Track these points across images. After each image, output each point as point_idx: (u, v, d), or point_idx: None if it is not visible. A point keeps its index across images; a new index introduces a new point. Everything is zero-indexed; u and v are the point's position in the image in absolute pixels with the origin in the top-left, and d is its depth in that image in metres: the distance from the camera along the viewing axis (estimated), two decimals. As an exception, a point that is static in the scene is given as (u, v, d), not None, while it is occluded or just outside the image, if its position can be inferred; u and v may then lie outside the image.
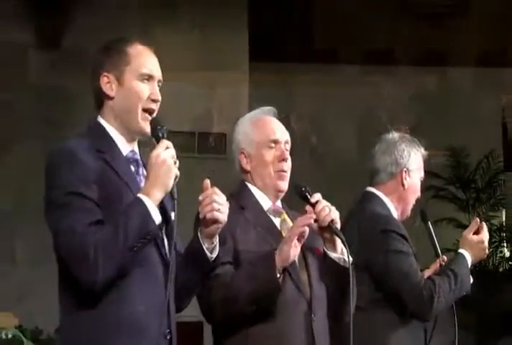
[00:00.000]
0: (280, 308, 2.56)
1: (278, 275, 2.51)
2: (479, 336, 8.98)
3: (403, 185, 3.32)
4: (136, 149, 2.42)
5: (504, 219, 9.97)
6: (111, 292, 2.18)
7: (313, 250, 2.71)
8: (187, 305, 2.45)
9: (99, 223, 2.18)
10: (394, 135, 3.39)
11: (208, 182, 2.31)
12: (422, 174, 3.40)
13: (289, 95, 10.21)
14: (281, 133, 2.83)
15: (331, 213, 2.58)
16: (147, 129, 2.34)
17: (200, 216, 2.30)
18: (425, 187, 3.51)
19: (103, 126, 2.38)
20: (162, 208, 2.24)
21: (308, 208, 2.62)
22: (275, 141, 2.80)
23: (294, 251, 2.52)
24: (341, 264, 2.62)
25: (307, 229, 2.52)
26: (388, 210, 3.29)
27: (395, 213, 3.31)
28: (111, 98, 2.38)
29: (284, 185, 2.79)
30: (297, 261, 2.64)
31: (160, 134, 2.28)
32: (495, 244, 9.60)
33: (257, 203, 2.78)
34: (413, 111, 10.14)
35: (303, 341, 2.60)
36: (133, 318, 2.20)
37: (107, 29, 8.55)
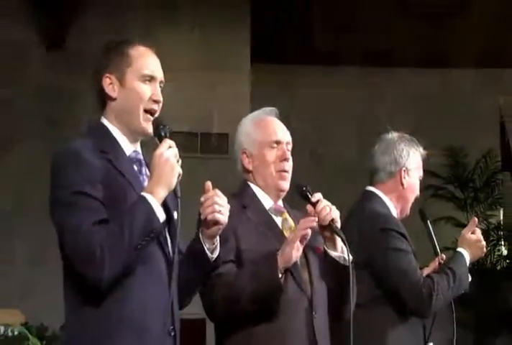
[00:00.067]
0: (282, 307, 2.57)
1: (280, 275, 2.52)
2: (477, 333, 8.98)
3: (402, 184, 3.32)
4: (139, 149, 2.43)
5: (502, 218, 9.98)
6: (116, 290, 2.18)
7: (313, 249, 2.71)
8: (188, 303, 2.46)
9: (104, 222, 2.18)
10: (393, 135, 3.40)
11: (209, 183, 2.32)
12: (421, 173, 3.40)
13: (290, 95, 10.21)
14: (283, 133, 2.84)
15: (331, 212, 2.59)
16: (149, 129, 2.34)
17: (202, 217, 2.31)
18: (424, 186, 3.51)
19: (106, 127, 2.39)
20: (165, 207, 2.24)
21: (308, 207, 2.62)
22: (277, 142, 2.81)
23: (296, 252, 2.52)
24: (342, 262, 2.63)
25: (309, 232, 2.53)
26: (388, 209, 3.29)
27: (395, 212, 3.31)
28: (114, 99, 2.38)
29: (285, 184, 2.79)
30: (298, 259, 2.64)
31: (163, 134, 2.29)
32: (492, 242, 9.61)
33: (258, 202, 2.79)
34: (412, 111, 10.15)
35: (305, 338, 2.60)
36: (137, 316, 2.20)
37: (109, 29, 8.57)
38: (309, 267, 2.68)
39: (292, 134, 2.87)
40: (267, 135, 2.82)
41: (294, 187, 2.72)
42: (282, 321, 2.57)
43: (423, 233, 3.40)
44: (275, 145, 2.80)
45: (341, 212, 2.65)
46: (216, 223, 2.30)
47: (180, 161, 2.25)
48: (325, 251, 2.66)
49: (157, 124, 2.32)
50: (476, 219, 3.34)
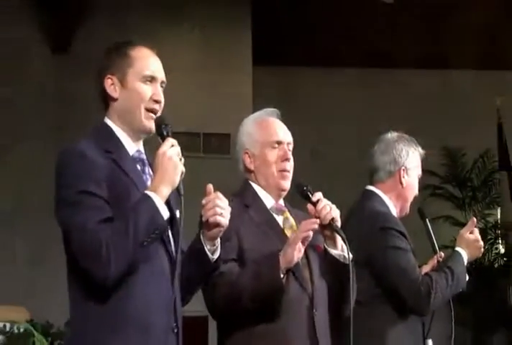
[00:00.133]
0: (283, 305, 2.56)
1: (282, 276, 2.51)
2: (475, 330, 8.99)
3: (401, 183, 3.32)
4: (142, 149, 2.43)
5: (499, 217, 9.98)
6: (121, 287, 2.18)
7: (314, 247, 2.71)
8: (189, 301, 2.46)
9: (109, 220, 2.18)
10: (393, 135, 3.39)
11: (211, 186, 2.32)
12: (420, 172, 3.40)
13: (291, 96, 10.22)
14: (284, 134, 2.84)
15: (331, 211, 2.59)
16: (151, 127, 2.34)
17: (203, 219, 2.31)
18: (422, 185, 3.51)
19: (110, 127, 2.39)
20: (168, 206, 2.24)
21: (309, 206, 2.62)
22: (278, 142, 2.81)
23: (298, 253, 2.52)
24: (342, 260, 2.63)
25: (311, 234, 2.52)
26: (387, 207, 3.28)
27: (394, 211, 3.31)
28: (115, 100, 2.38)
29: (286, 184, 2.79)
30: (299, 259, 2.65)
31: (165, 133, 2.29)
32: (490, 240, 9.61)
33: (260, 201, 2.79)
34: (411, 112, 10.15)
35: (305, 335, 2.60)
36: (141, 313, 2.20)
37: (112, 32, 8.57)
38: (310, 265, 2.68)
39: (292, 135, 2.87)
40: (269, 135, 2.82)
41: (295, 187, 2.72)
42: (283, 319, 2.57)
43: (422, 232, 3.40)
44: (277, 145, 2.80)
45: (341, 211, 2.65)
46: (217, 225, 2.30)
47: (182, 159, 2.25)
48: (325, 250, 2.65)
49: (159, 123, 2.32)
50: (475, 219, 3.33)
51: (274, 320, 2.56)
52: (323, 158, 10.12)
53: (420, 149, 3.39)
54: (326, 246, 2.65)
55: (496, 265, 9.66)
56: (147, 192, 2.21)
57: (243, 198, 2.77)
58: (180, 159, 2.24)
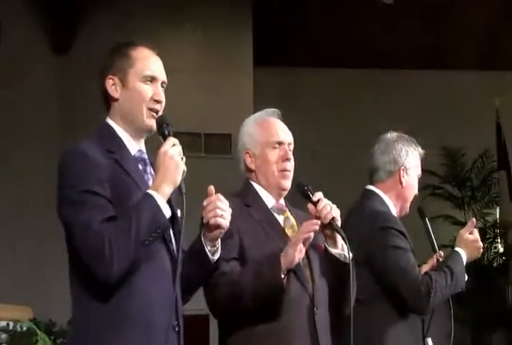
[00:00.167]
0: (284, 304, 2.56)
1: (283, 276, 2.51)
2: (474, 328, 8.99)
3: (401, 182, 3.31)
4: (144, 149, 2.43)
5: (498, 216, 9.98)
6: (123, 286, 2.18)
7: (315, 246, 2.70)
8: (189, 300, 2.45)
9: (112, 219, 2.18)
10: (392, 135, 3.39)
11: (212, 188, 2.32)
12: (419, 172, 3.40)
13: (292, 96, 10.22)
14: (285, 134, 2.83)
15: (332, 210, 2.58)
16: (153, 125, 2.34)
17: (204, 221, 2.31)
18: (422, 185, 3.51)
19: (112, 127, 2.39)
20: (169, 204, 2.24)
21: (310, 206, 2.62)
22: (279, 143, 2.80)
23: (299, 254, 2.51)
24: (342, 259, 2.62)
25: (312, 235, 2.52)
26: (387, 207, 3.28)
27: (394, 210, 3.31)
28: (117, 100, 2.38)
29: (287, 183, 2.79)
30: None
31: (166, 132, 2.29)
32: (489, 240, 9.62)
33: (261, 201, 2.78)
34: (411, 112, 10.15)
35: (306, 334, 2.60)
36: (143, 311, 2.20)
37: (112, 32, 8.57)
38: (310, 264, 2.68)
39: (293, 135, 2.87)
40: (270, 136, 2.81)
41: (295, 187, 2.72)
42: (284, 318, 2.57)
43: (422, 231, 3.40)
44: (277, 145, 2.80)
45: (341, 211, 2.65)
46: (218, 227, 2.30)
47: (184, 158, 2.25)
48: (326, 249, 2.65)
49: (160, 123, 2.32)
50: (474, 220, 3.33)
51: (275, 319, 2.56)
52: (324, 158, 10.12)
53: (419, 149, 3.39)
54: (326, 246, 2.65)
55: (495, 264, 9.66)
56: (149, 191, 2.21)
57: (244, 198, 2.77)
58: (182, 158, 2.24)
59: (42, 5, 9.33)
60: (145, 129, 2.37)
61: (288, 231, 2.74)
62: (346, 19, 9.85)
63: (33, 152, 9.00)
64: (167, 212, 2.20)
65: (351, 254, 2.58)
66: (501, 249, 9.80)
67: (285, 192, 2.82)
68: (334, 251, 2.63)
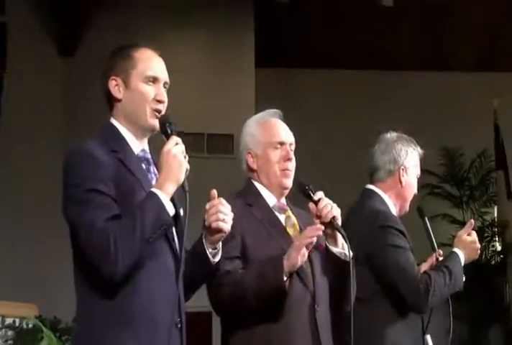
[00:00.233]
0: (286, 301, 2.56)
1: (285, 278, 2.51)
2: (471, 325, 8.98)
3: (400, 182, 3.31)
4: (147, 148, 2.43)
5: (496, 215, 9.97)
6: (127, 283, 2.18)
7: (316, 245, 2.70)
8: (190, 297, 2.45)
9: (117, 217, 2.18)
10: (392, 135, 3.39)
11: (215, 191, 2.32)
12: (418, 171, 3.39)
13: (293, 97, 10.21)
14: (286, 135, 2.83)
15: (332, 210, 2.58)
16: (156, 124, 2.34)
17: (206, 224, 2.30)
18: (421, 184, 3.50)
19: (116, 128, 2.39)
20: (172, 203, 2.24)
21: (311, 205, 2.62)
22: (281, 143, 2.80)
23: (302, 258, 2.51)
24: (343, 258, 2.62)
25: (315, 239, 2.52)
26: (387, 206, 3.28)
27: (394, 209, 3.30)
28: (120, 100, 2.38)
29: (288, 182, 2.79)
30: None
31: (169, 131, 2.28)
32: (487, 238, 9.62)
33: (263, 200, 2.78)
34: (410, 112, 10.14)
35: (307, 331, 2.60)
36: (146, 309, 2.20)
37: (118, 34, 8.57)
38: (311, 262, 2.68)
39: (294, 135, 2.87)
40: (271, 136, 2.81)
41: (297, 186, 2.71)
42: (286, 315, 2.56)
43: (421, 230, 3.39)
44: (279, 146, 2.80)
45: (341, 210, 2.65)
46: (220, 231, 2.30)
47: (187, 157, 2.24)
48: (327, 248, 2.65)
49: (163, 122, 2.32)
50: (473, 221, 3.32)
51: (277, 317, 2.56)
52: (324, 158, 10.11)
53: (419, 148, 3.38)
54: (327, 244, 2.65)
55: (493, 262, 9.66)
56: (153, 189, 2.20)
57: (246, 197, 2.77)
58: (185, 157, 2.24)
59: (48, 8, 9.34)
60: (148, 128, 2.37)
61: (290, 230, 2.74)
62: (347, 21, 9.84)
63: (37, 151, 9.01)
64: (170, 210, 2.20)
65: (351, 253, 2.58)
66: (499, 248, 9.80)
67: (287, 192, 2.82)
68: (334, 249, 2.63)
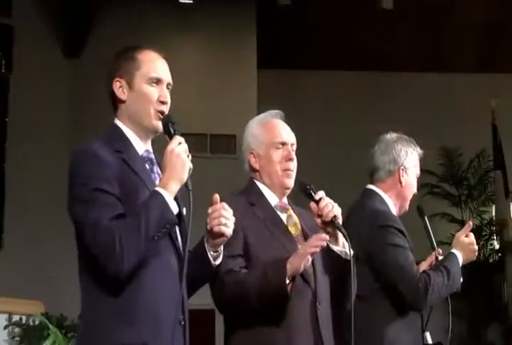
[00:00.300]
0: (290, 301, 2.56)
1: (288, 282, 2.50)
2: (470, 322, 8.97)
3: (400, 182, 3.30)
4: (150, 149, 2.42)
5: (494, 214, 9.96)
6: (132, 281, 2.17)
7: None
8: (192, 295, 2.45)
9: (122, 216, 2.17)
10: (392, 135, 3.38)
11: (217, 196, 2.31)
12: (418, 171, 3.39)
13: (294, 98, 10.20)
14: (288, 135, 2.83)
15: (333, 209, 2.58)
16: (159, 126, 2.34)
17: (208, 228, 2.30)
18: (421, 184, 3.50)
19: (120, 128, 2.38)
20: (176, 202, 2.23)
21: (312, 204, 2.61)
22: (283, 143, 2.80)
23: (306, 263, 2.50)
24: (343, 256, 2.62)
25: (319, 249, 2.51)
26: (387, 206, 3.27)
27: (394, 209, 3.30)
28: (124, 102, 2.38)
29: (290, 182, 2.78)
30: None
31: (172, 131, 2.28)
32: (485, 237, 9.61)
33: (265, 199, 2.78)
34: (410, 113, 10.13)
35: (309, 328, 2.59)
36: (150, 306, 2.19)
37: (123, 36, 8.57)
38: (313, 261, 2.67)
39: (295, 135, 2.86)
40: (273, 136, 2.81)
41: (298, 186, 2.71)
42: (288, 313, 2.56)
43: (420, 230, 3.39)
44: (281, 146, 2.80)
45: (342, 209, 2.64)
46: (222, 235, 2.29)
47: (190, 156, 2.24)
48: (328, 246, 2.64)
49: (166, 122, 2.31)
50: (471, 223, 3.32)
51: (279, 314, 2.55)
52: (325, 158, 10.11)
53: (418, 149, 3.38)
54: (328, 243, 2.64)
55: (491, 260, 9.65)
56: (157, 188, 2.20)
57: (248, 196, 2.76)
58: (188, 156, 2.23)
59: (54, 11, 9.34)
60: (152, 129, 2.37)
61: (291, 229, 2.74)
62: (347, 24, 9.83)
63: (43, 150, 9.01)
64: (174, 208, 2.20)
65: (352, 251, 2.57)
66: (497, 246, 9.79)
67: (288, 191, 2.82)
68: (335, 248, 2.63)
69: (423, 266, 3.26)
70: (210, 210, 2.29)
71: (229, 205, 2.35)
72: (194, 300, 2.45)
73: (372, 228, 3.11)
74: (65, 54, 9.64)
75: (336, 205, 2.60)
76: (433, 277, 3.07)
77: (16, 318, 5.42)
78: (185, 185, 2.23)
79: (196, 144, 9.15)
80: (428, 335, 3.23)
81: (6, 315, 5.39)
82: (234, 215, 2.32)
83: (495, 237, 9.77)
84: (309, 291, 2.62)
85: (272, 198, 2.79)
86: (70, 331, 5.69)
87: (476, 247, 3.25)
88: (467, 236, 3.24)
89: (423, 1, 9.61)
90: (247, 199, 2.74)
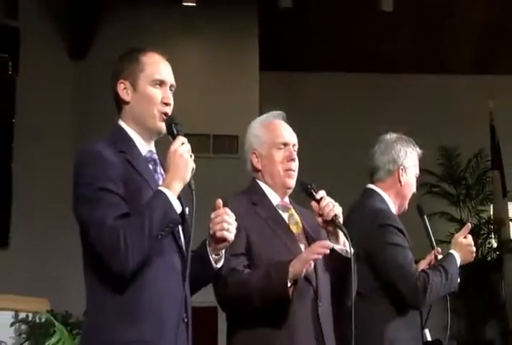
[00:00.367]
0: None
1: (289, 284, 2.49)
2: (468, 319, 8.96)
3: (399, 181, 3.30)
4: (154, 149, 2.42)
5: (492, 213, 9.95)
6: (136, 279, 2.17)
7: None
8: (195, 293, 2.45)
9: (126, 215, 2.17)
10: (392, 136, 3.38)
11: (220, 201, 2.31)
12: (417, 171, 3.38)
13: (295, 99, 10.20)
14: (289, 136, 2.83)
15: (334, 208, 2.58)
16: (163, 127, 2.34)
17: (210, 232, 2.30)
18: (420, 184, 3.49)
19: (124, 129, 2.38)
20: (179, 201, 2.23)
21: (313, 203, 2.61)
22: (284, 143, 2.80)
23: (307, 269, 2.49)
24: (344, 254, 2.62)
25: (321, 256, 2.50)
26: (387, 205, 3.27)
27: (394, 208, 3.29)
28: (128, 103, 2.38)
29: (292, 182, 2.78)
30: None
31: (175, 131, 2.28)
32: (483, 235, 9.60)
33: (267, 199, 2.78)
34: (409, 114, 10.12)
35: (310, 325, 2.59)
36: (154, 304, 2.20)
37: (128, 38, 8.57)
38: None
39: (297, 136, 2.86)
40: (275, 137, 2.81)
41: (300, 185, 2.71)
42: (290, 311, 2.55)
43: (420, 228, 3.38)
44: (283, 146, 2.80)
45: (342, 208, 2.64)
46: (224, 240, 2.29)
47: (193, 156, 2.24)
48: (328, 245, 2.64)
49: (169, 123, 2.32)
50: (469, 225, 3.31)
51: (281, 313, 2.55)
52: (325, 158, 10.10)
53: (417, 149, 3.37)
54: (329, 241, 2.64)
55: (489, 259, 9.64)
56: (160, 188, 2.20)
57: (250, 196, 2.76)
58: (191, 156, 2.23)
59: (60, 13, 9.34)
60: (156, 130, 2.37)
61: (293, 228, 2.74)
62: (347, 26, 9.83)
63: (49, 150, 9.01)
64: (178, 208, 2.20)
65: (352, 250, 2.57)
66: (495, 244, 9.78)
67: (290, 191, 2.82)
68: (336, 246, 2.63)
69: (423, 264, 3.25)
70: (213, 215, 2.29)
71: (232, 205, 2.34)
72: (197, 297, 2.44)
73: (372, 227, 3.11)
74: (71, 57, 9.64)
75: (336, 204, 2.60)
76: (431, 276, 3.06)
77: (22, 315, 5.42)
78: (188, 184, 2.23)
79: (199, 144, 9.15)
80: (427, 332, 3.23)
81: (12, 313, 5.39)
82: (237, 214, 2.32)
83: (492, 236, 9.76)
84: (310, 289, 2.62)
85: (274, 198, 2.79)
86: (75, 328, 5.68)
87: (474, 249, 3.25)
88: (465, 237, 3.24)
89: (422, 2, 9.60)
90: (250, 198, 2.74)
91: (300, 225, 2.76)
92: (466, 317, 8.76)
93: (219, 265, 2.36)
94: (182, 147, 2.22)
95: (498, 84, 10.30)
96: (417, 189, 3.39)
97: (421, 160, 3.40)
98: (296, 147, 2.83)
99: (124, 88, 2.37)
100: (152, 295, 2.19)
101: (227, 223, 2.27)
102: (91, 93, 8.88)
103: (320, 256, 2.49)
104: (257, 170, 2.82)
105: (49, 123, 9.20)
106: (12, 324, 5.37)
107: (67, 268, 7.86)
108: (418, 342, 3.18)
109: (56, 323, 5.23)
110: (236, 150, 9.24)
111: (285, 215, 2.77)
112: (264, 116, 2.91)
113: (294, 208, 2.81)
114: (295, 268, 2.49)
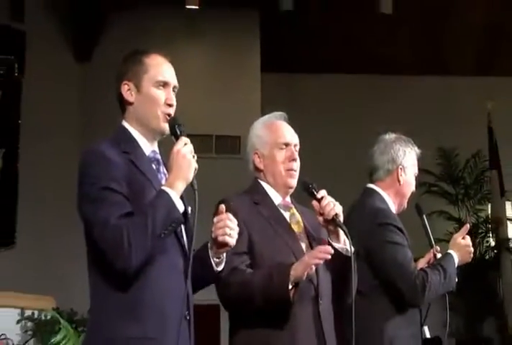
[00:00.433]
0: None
1: (290, 287, 2.49)
2: (466, 316, 8.95)
3: (399, 180, 3.30)
4: (157, 149, 2.42)
5: (490, 212, 9.95)
6: (139, 277, 2.18)
7: (319, 241, 2.69)
8: (197, 292, 2.44)
9: (129, 214, 2.17)
10: (391, 136, 3.38)
11: (223, 206, 2.31)
12: (416, 170, 3.38)
13: (296, 100, 10.19)
14: (291, 136, 2.83)
15: (335, 207, 2.58)
16: (166, 128, 2.34)
17: (212, 236, 2.29)
18: (419, 183, 3.49)
19: (127, 130, 2.39)
20: (182, 201, 2.23)
21: (314, 202, 2.61)
22: (286, 144, 2.80)
23: (308, 272, 2.49)
24: (344, 253, 2.61)
25: (322, 261, 2.50)
26: (387, 204, 3.27)
27: (393, 207, 3.29)
28: (131, 104, 2.38)
29: (293, 182, 2.78)
30: (305, 251, 2.64)
31: (178, 132, 2.28)
32: (481, 234, 9.60)
33: (269, 198, 2.78)
34: (409, 115, 10.12)
35: (311, 323, 2.59)
36: (157, 302, 2.20)
37: (132, 40, 8.57)
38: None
39: (298, 136, 2.86)
40: (277, 137, 2.81)
41: (301, 185, 2.71)
42: (292, 310, 2.55)
43: (419, 227, 3.38)
44: (284, 147, 2.80)
45: (343, 208, 2.64)
46: (226, 244, 2.29)
47: (195, 156, 2.24)
48: (329, 243, 2.64)
49: (172, 124, 2.32)
50: (468, 226, 3.31)
51: (283, 313, 2.54)
52: (326, 158, 10.10)
53: (416, 149, 3.37)
54: (329, 240, 2.64)
55: (487, 257, 9.63)
56: (163, 187, 2.20)
57: (252, 196, 2.76)
58: (194, 157, 2.23)
59: (65, 16, 9.35)
60: (159, 131, 2.37)
61: (294, 227, 2.74)
62: (347, 28, 9.82)
63: (54, 150, 9.01)
64: (180, 207, 2.19)
65: (353, 248, 2.57)
66: (493, 243, 9.77)
67: (291, 191, 2.81)
68: (336, 245, 2.62)
69: (421, 263, 3.25)
70: (215, 220, 2.29)
71: (234, 204, 2.34)
72: (199, 295, 2.44)
73: (371, 226, 3.11)
74: (76, 58, 9.65)
75: (337, 203, 2.60)
76: (430, 275, 3.06)
77: (28, 312, 5.42)
78: (191, 184, 2.23)
79: (202, 144, 9.14)
80: (426, 329, 3.23)
81: (18, 310, 5.40)
82: (239, 213, 2.32)
83: (490, 235, 9.75)
84: (311, 287, 2.61)
85: (276, 197, 2.79)
86: (80, 326, 5.69)
87: (472, 249, 3.25)
88: (463, 238, 3.24)
89: (422, 4, 9.59)
90: (252, 198, 2.74)
91: (302, 224, 2.76)
92: (464, 315, 8.75)
93: (220, 268, 2.36)
94: (185, 148, 2.22)
95: (498, 86, 10.29)
96: (416, 188, 3.39)
97: (420, 160, 3.39)
98: (298, 147, 2.83)
99: (128, 89, 2.37)
100: (155, 293, 2.19)
101: (229, 228, 2.27)
102: (96, 94, 8.87)
103: (321, 262, 2.49)
104: (259, 170, 2.82)
105: (55, 124, 9.21)
106: (18, 321, 5.38)
107: (72, 266, 7.85)
108: (417, 339, 3.18)
109: (61, 321, 5.24)
110: (238, 150, 9.24)
111: (286, 215, 2.77)
112: (267, 116, 2.91)
113: (295, 208, 2.81)
114: (296, 271, 2.48)
